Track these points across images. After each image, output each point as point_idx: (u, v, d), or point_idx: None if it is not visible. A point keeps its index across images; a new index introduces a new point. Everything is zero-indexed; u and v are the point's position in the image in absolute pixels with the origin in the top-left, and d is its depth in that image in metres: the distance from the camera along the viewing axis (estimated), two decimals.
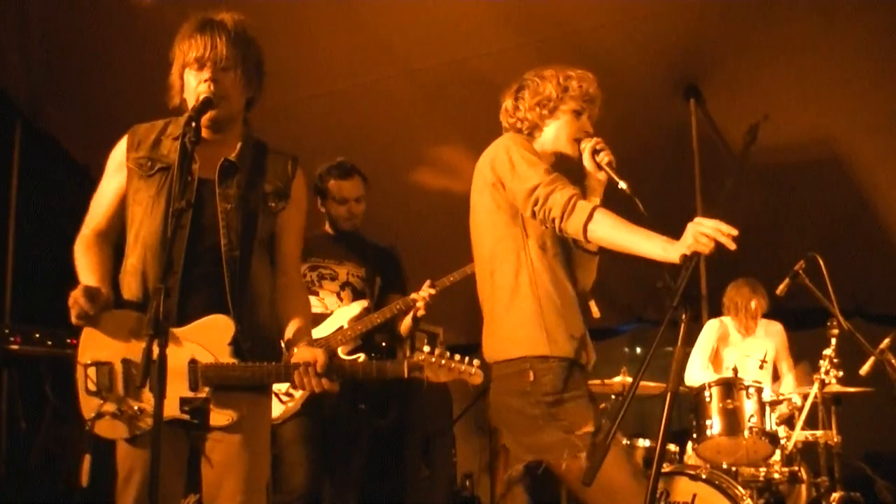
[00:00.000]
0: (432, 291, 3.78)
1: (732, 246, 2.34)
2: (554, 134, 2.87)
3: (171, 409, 2.42)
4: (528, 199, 2.64)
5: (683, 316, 2.32)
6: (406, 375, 2.47)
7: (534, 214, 2.65)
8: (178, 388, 2.42)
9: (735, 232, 2.34)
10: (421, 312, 3.79)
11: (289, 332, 2.60)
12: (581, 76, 2.88)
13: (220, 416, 2.46)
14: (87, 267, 2.56)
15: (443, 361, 2.48)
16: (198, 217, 2.51)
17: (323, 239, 4.01)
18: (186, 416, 2.44)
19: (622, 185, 2.69)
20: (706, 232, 2.34)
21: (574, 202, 2.56)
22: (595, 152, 2.80)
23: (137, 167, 2.58)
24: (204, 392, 2.45)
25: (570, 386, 2.66)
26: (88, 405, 2.46)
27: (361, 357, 3.69)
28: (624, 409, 2.44)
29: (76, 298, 2.42)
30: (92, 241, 2.62)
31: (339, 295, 3.90)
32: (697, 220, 2.38)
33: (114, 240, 2.66)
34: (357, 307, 3.86)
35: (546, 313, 2.70)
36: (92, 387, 2.46)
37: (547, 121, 2.87)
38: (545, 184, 2.62)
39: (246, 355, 2.48)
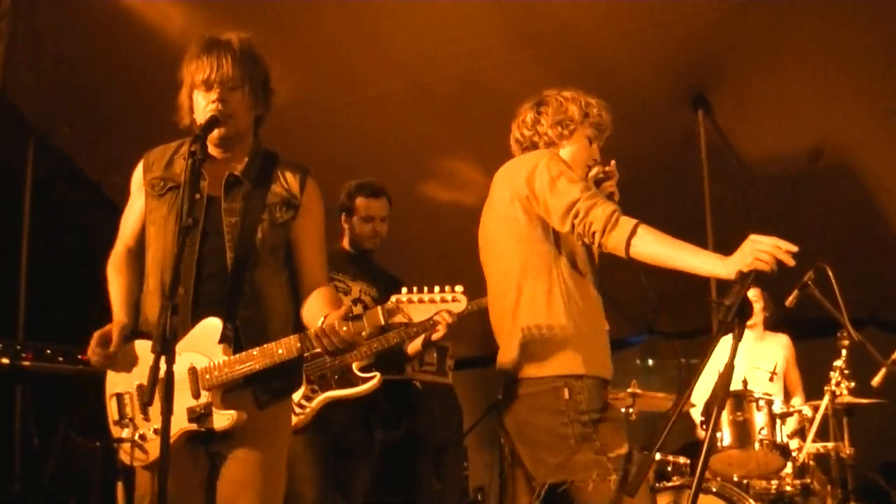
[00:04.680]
0: (450, 319, 3.61)
1: (791, 262, 2.31)
2: (570, 157, 2.84)
3: (182, 422, 2.45)
4: (568, 214, 2.59)
5: (736, 331, 2.28)
6: (384, 322, 2.36)
7: (573, 228, 2.60)
8: (183, 400, 2.46)
9: (794, 248, 2.31)
10: (438, 335, 3.73)
11: (314, 310, 2.55)
12: (600, 104, 2.89)
13: (220, 418, 2.46)
14: (115, 292, 2.63)
15: (418, 297, 2.37)
16: (207, 234, 2.54)
17: (339, 255, 4.03)
18: (195, 426, 2.45)
19: None
20: (766, 249, 2.32)
21: (617, 217, 2.53)
22: (601, 180, 2.82)
23: (151, 187, 2.63)
24: (206, 397, 2.47)
25: (602, 405, 2.64)
26: (115, 434, 2.56)
27: (377, 376, 3.63)
28: (670, 424, 2.39)
29: (91, 352, 2.51)
30: (122, 260, 2.68)
31: None
32: (754, 237, 2.35)
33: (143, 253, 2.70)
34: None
35: (581, 332, 2.66)
36: (115, 416, 2.56)
37: (565, 142, 2.86)
38: (586, 198, 2.58)
39: (260, 374, 2.49)
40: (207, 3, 5.11)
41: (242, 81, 2.56)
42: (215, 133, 2.52)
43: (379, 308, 2.37)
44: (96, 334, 2.52)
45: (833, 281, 4.20)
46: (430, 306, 2.36)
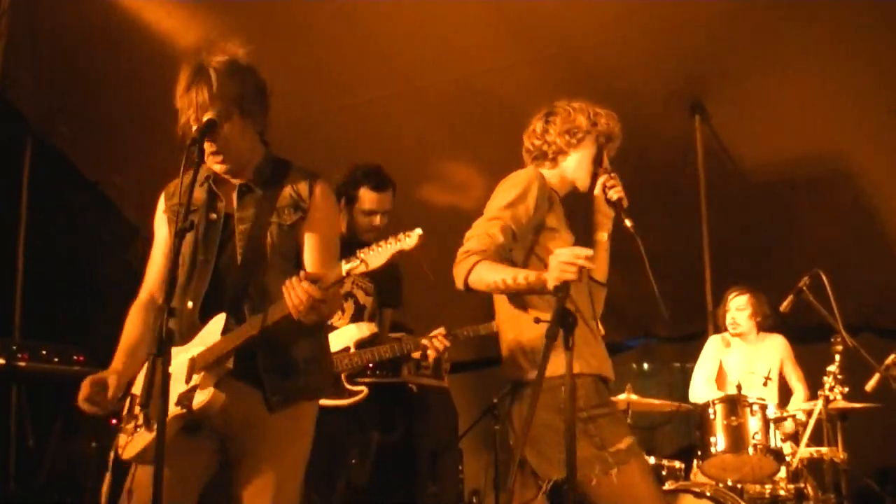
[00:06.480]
0: (447, 343, 3.61)
1: (591, 265, 2.51)
2: (576, 163, 3.00)
3: (172, 408, 2.44)
4: None
5: (563, 340, 2.40)
6: (344, 273, 2.34)
7: None
8: (177, 388, 2.46)
9: (590, 252, 2.48)
10: (428, 361, 3.69)
11: None
12: (608, 114, 3.02)
13: (199, 395, 2.43)
14: (122, 340, 2.66)
15: (373, 250, 2.35)
16: (224, 248, 2.56)
17: None
18: (183, 410, 2.42)
19: (627, 223, 2.86)
20: (566, 260, 2.46)
21: (465, 256, 2.69)
22: (607, 187, 2.94)
23: (174, 214, 2.63)
24: (195, 380, 2.45)
25: (601, 401, 2.79)
26: (121, 434, 2.58)
27: (364, 390, 3.60)
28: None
29: (86, 397, 2.51)
30: (140, 310, 2.70)
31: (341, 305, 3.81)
32: (558, 251, 2.52)
33: None
34: (366, 330, 3.71)
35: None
36: (124, 412, 2.59)
37: (572, 150, 2.98)
38: (471, 231, 2.78)
39: (267, 372, 2.51)
40: (206, 5, 5.12)
41: (229, 112, 2.51)
42: (220, 169, 2.56)
43: (341, 263, 2.36)
44: (88, 379, 2.52)
45: (828, 287, 4.23)
46: (385, 249, 2.36)
